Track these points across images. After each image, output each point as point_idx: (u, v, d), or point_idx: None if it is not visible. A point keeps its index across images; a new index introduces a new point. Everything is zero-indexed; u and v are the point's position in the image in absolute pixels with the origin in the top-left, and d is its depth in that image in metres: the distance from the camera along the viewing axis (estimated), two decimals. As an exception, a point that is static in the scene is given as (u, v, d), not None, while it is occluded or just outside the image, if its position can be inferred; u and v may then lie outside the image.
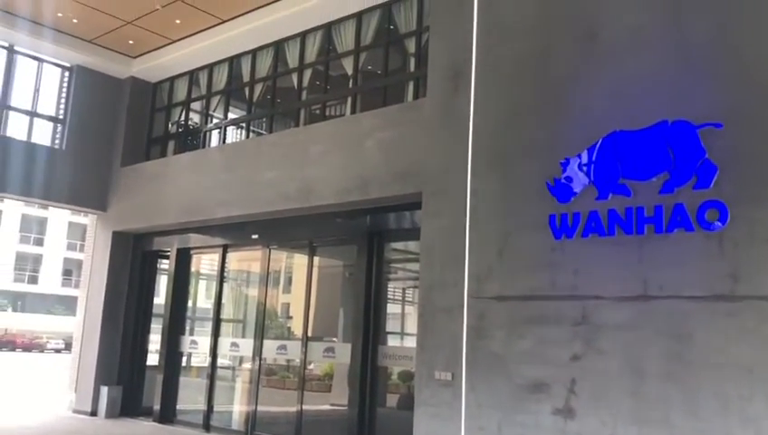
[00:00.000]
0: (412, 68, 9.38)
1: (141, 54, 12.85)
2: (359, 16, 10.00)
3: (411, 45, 9.39)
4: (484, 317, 6.79)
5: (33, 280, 52.77)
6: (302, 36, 10.81)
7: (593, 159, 6.29)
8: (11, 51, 12.38)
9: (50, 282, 52.85)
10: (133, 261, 13.01)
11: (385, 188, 8.58)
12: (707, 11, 5.92)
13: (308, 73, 10.80)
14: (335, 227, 9.97)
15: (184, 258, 12.41)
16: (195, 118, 13.07)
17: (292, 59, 10.99)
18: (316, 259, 10.39)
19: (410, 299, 10.24)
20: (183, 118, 13.05)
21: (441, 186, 7.50)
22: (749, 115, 5.55)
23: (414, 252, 8.97)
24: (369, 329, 9.02)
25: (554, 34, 6.89)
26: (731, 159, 5.54)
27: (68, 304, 44.13)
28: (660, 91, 6.04)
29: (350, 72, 10.09)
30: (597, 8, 6.63)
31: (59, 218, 52.43)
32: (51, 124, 12.90)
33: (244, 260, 12.24)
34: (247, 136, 11.88)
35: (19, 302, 51.61)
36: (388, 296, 9.68)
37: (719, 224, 5.51)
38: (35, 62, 12.76)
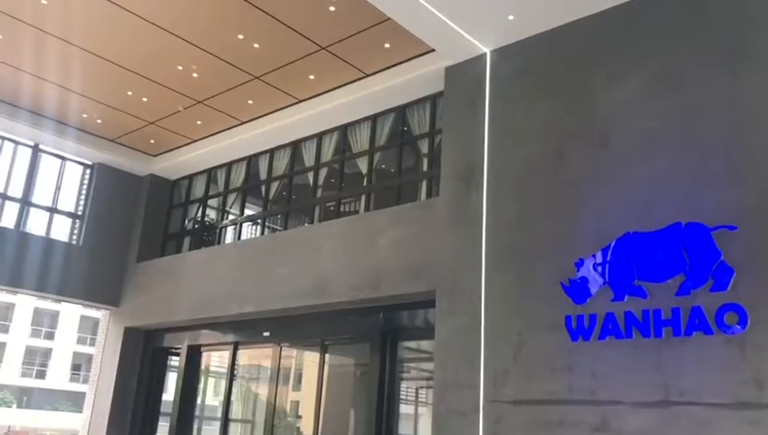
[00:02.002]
0: (425, 168, 9.55)
1: (162, 153, 13.22)
2: (373, 118, 10.30)
3: (424, 146, 9.61)
4: (500, 422, 6.59)
5: (41, 375, 52.10)
6: (319, 137, 11.11)
7: (608, 259, 6.29)
8: (36, 149, 12.79)
9: (58, 377, 52.15)
10: (143, 357, 12.89)
11: (398, 285, 8.55)
12: (719, 114, 6.05)
13: (323, 172, 11.02)
14: (348, 325, 9.87)
15: (194, 355, 12.29)
16: (211, 214, 13.26)
17: (309, 158, 11.25)
18: (328, 357, 10.25)
19: (424, 400, 9.98)
20: (200, 214, 13.26)
21: (455, 285, 7.47)
22: (763, 217, 5.55)
23: (428, 351, 8.83)
24: (381, 430, 8.77)
25: (566, 138, 7.04)
26: (748, 262, 5.51)
27: (75, 400, 43.32)
28: (673, 194, 6.09)
29: (364, 170, 10.29)
30: (608, 113, 6.79)
31: (71, 312, 52.35)
32: (69, 220, 13.12)
33: (255, 357, 12.08)
34: (262, 232, 12.01)
35: (25, 397, 50.75)
36: (401, 397, 9.44)
37: (739, 327, 5.42)
38: (58, 160, 13.13)
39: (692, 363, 5.58)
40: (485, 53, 8.04)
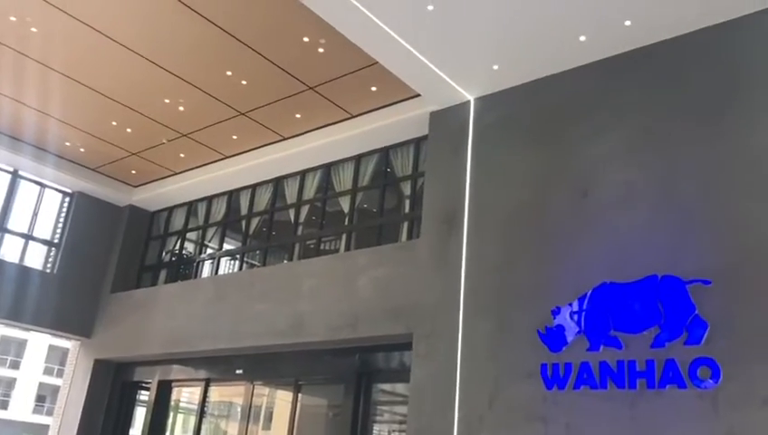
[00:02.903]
0: (407, 209, 9.61)
1: (143, 184, 13.18)
2: (357, 158, 10.38)
3: (407, 188, 9.69)
4: (473, 469, 6.53)
5: (3, 405, 50.57)
6: (302, 174, 11.15)
7: (584, 308, 6.34)
8: (15, 175, 12.67)
9: (21, 408, 50.63)
10: (112, 391, 12.62)
11: (376, 326, 8.51)
12: (697, 172, 6.19)
13: (305, 209, 11.04)
14: (323, 366, 9.77)
15: (164, 390, 12.05)
16: (189, 247, 13.17)
17: (291, 195, 11.28)
18: (301, 397, 10.11)
19: (397, 444, 9.87)
20: (177, 247, 13.16)
21: (432, 328, 7.46)
22: (738, 274, 5.65)
23: (403, 394, 8.76)
24: (352, 473, 8.63)
25: (547, 187, 7.15)
26: (721, 317, 5.58)
27: (37, 432, 42.00)
28: (650, 246, 6.18)
29: (346, 209, 10.33)
30: (589, 165, 6.92)
31: (39, 341, 51.11)
32: (45, 248, 12.95)
33: (227, 395, 11.88)
34: (240, 268, 11.93)
35: (-17, 429, 49.11)
36: (374, 440, 9.33)
37: (712, 382, 5.46)
38: (37, 187, 13.01)
39: (665, 417, 5.60)
40: (470, 101, 8.19)
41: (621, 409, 5.82)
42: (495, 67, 7.56)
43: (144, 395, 12.66)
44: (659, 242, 6.16)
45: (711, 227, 5.95)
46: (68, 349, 14.50)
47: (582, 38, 6.92)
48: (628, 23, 6.64)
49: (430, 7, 6.71)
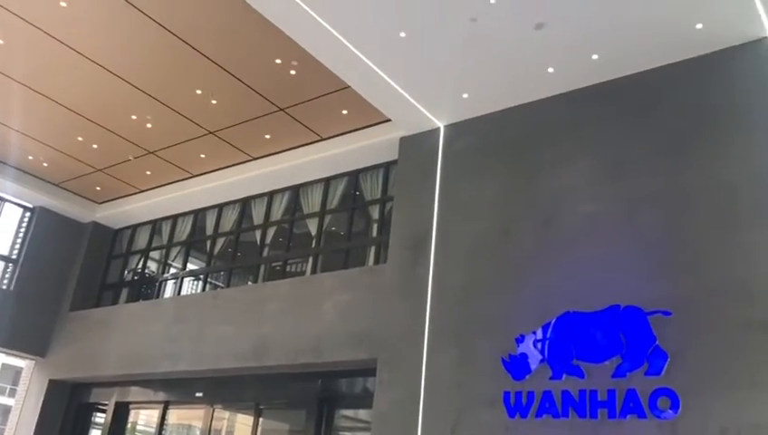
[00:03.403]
0: (375, 233, 9.60)
1: (107, 201, 12.96)
2: (326, 181, 10.36)
3: (375, 212, 9.69)
4: (434, 498, 6.46)
5: (-49, 425, 48.68)
6: (270, 195, 11.09)
7: (548, 336, 6.37)
8: (-26, 189, 12.37)
9: (-31, 428, 48.76)
10: (67, 412, 12.26)
11: (340, 351, 8.43)
12: (658, 204, 6.30)
13: (272, 231, 10.96)
14: (284, 390, 9.63)
15: (121, 413, 11.74)
16: (152, 267, 12.95)
17: (258, 216, 11.19)
18: (261, 421, 9.94)
19: (358, 471, 9.74)
20: (140, 266, 12.93)
21: (396, 354, 7.42)
22: (697, 305, 5.73)
23: (365, 421, 8.67)
24: (311, 501, 8.47)
25: (513, 216, 7.21)
26: (681, 348, 5.65)
27: (-14, 454, 40.47)
28: (613, 277, 6.25)
29: (313, 232, 10.28)
30: (555, 195, 7.00)
31: (-8, 359, 49.51)
32: (2, 264, 12.60)
33: (186, 418, 11.62)
34: (204, 288, 11.76)
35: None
36: (335, 467, 9.19)
37: (671, 412, 5.51)
38: (-3, 201, 12.72)
39: (626, 446, 5.62)
40: (440, 127, 8.26)
41: (582, 438, 5.83)
42: (465, 95, 7.65)
43: (100, 417, 12.32)
44: (622, 272, 6.24)
45: (672, 258, 6.05)
46: (21, 368, 14.06)
47: (550, 69, 7.05)
48: (595, 56, 6.79)
49: (402, 34, 6.78)
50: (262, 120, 9.58)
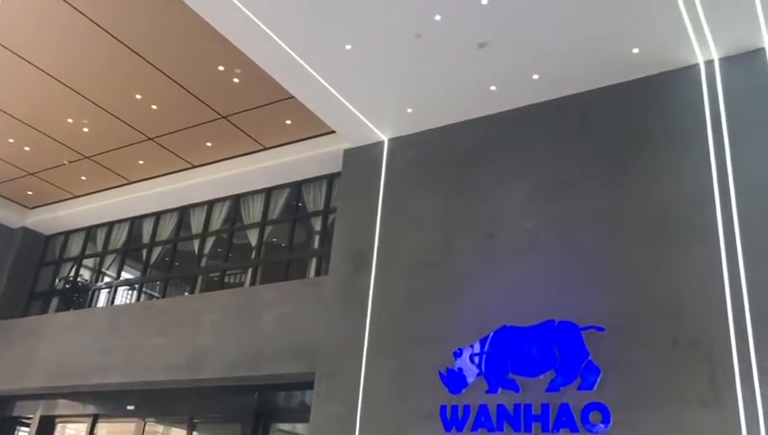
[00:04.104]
0: (316, 245, 9.54)
1: (39, 206, 12.49)
2: (268, 191, 10.24)
3: (317, 224, 9.63)
4: None
5: None
6: (210, 204, 10.89)
7: (485, 350, 6.42)
8: None
9: None
10: (-13, 427, 11.68)
11: (277, 365, 8.31)
12: (597, 223, 6.46)
13: (211, 241, 10.75)
14: (220, 403, 9.43)
15: (47, 427, 11.25)
16: (85, 275, 12.53)
17: (197, 225, 10.97)
18: (195, 436, 9.70)
19: (293, 486, 9.60)
20: (72, 274, 12.49)
21: (335, 368, 7.36)
22: (629, 322, 5.88)
23: (302, 435, 8.57)
24: None
25: (454, 231, 7.27)
26: (613, 364, 5.78)
27: None
28: (550, 292, 6.36)
29: (254, 243, 10.13)
30: (495, 211, 7.10)
31: None
32: None
33: (116, 432, 11.23)
34: (138, 298, 11.43)
35: None
36: (270, 482, 9.03)
37: (602, 426, 5.63)
38: None
39: (558, 460, 5.71)
40: (384, 141, 8.28)
41: (516, 452, 5.89)
42: (410, 110, 7.70)
43: (23, 432, 11.79)
44: (558, 288, 6.36)
45: (607, 276, 6.20)
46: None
47: (493, 88, 7.17)
48: (535, 76, 6.94)
49: (348, 47, 6.78)
50: (203, 128, 9.42)
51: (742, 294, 5.49)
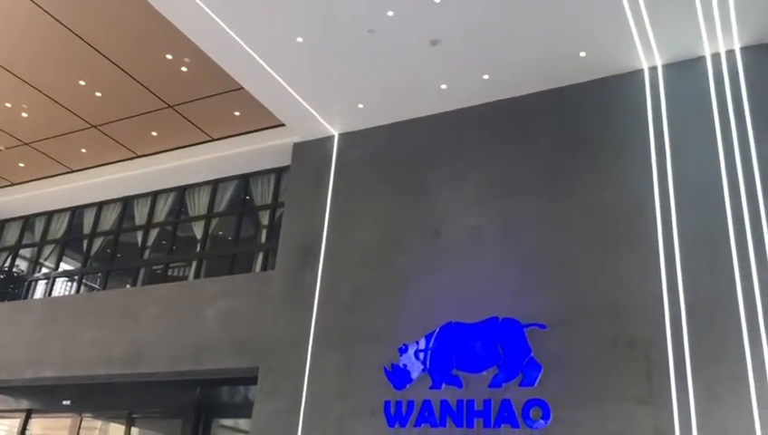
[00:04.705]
0: (263, 240, 9.43)
1: (-27, 193, 12.00)
2: (215, 183, 10.08)
3: (265, 218, 9.52)
4: (310, 509, 6.38)
5: None
6: (154, 195, 10.66)
7: (430, 347, 6.46)
8: None
9: None
10: None
11: (221, 359, 8.18)
12: (538, 223, 6.57)
13: (155, 232, 10.52)
14: (160, 398, 9.23)
15: (-24, 422, 10.84)
16: (21, 265, 12.09)
17: (140, 216, 10.72)
18: (134, 431, 9.47)
19: (234, 482, 9.48)
20: (8, 264, 12.04)
21: (279, 363, 7.29)
22: (570, 321, 6.01)
23: (244, 431, 8.46)
24: None
25: (402, 228, 7.28)
26: (554, 361, 5.90)
27: None
28: (494, 290, 6.45)
29: (199, 235, 9.96)
30: (442, 209, 7.15)
31: None
32: None
33: (51, 428, 10.87)
34: (78, 290, 11.10)
35: None
36: (210, 478, 8.90)
37: (542, 422, 5.73)
38: None
39: (499, 456, 5.79)
40: (334, 136, 8.24)
41: (459, 447, 5.95)
42: (360, 105, 7.68)
43: (-49, 427, 11.31)
44: (502, 286, 6.44)
45: (549, 276, 6.31)
46: None
47: (444, 86, 7.21)
48: (486, 76, 7.01)
49: (299, 39, 6.72)
50: (149, 117, 9.21)
51: (678, 297, 5.67)
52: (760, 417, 5.04)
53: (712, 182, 5.92)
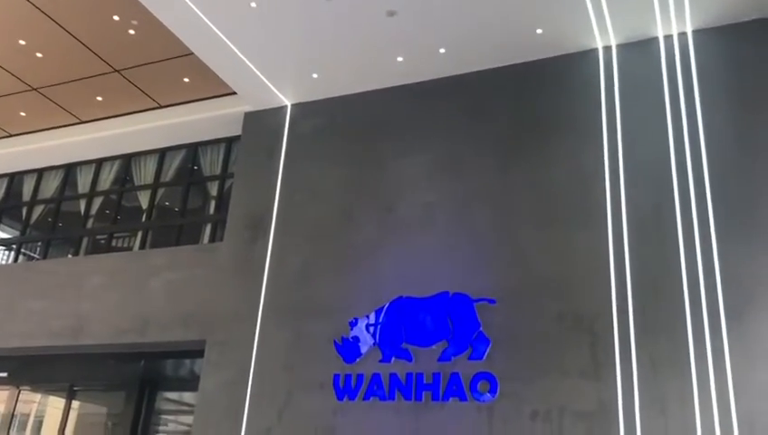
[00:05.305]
0: (212, 211, 9.23)
1: None
2: (162, 152, 9.79)
3: (214, 188, 9.31)
4: (256, 482, 6.35)
5: None
6: (98, 163, 10.30)
7: (380, 321, 6.46)
8: None
9: None
10: None
11: (166, 332, 8.01)
12: (489, 200, 6.61)
13: (98, 201, 10.19)
14: (103, 371, 9.02)
15: None
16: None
17: (84, 184, 10.36)
18: (76, 404, 9.25)
19: (179, 456, 9.38)
20: (-60, 231, 11.52)
21: (227, 336, 7.19)
22: (519, 296, 6.09)
23: (190, 404, 8.34)
24: (126, 486, 8.03)
25: (355, 202, 7.23)
26: (502, 336, 5.97)
27: None
28: (445, 265, 6.47)
29: (145, 205, 9.69)
30: (395, 184, 7.12)
31: None
32: None
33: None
34: (16, 260, 10.70)
35: None
36: (154, 452, 8.78)
37: (489, 395, 5.81)
38: None
39: (446, 428, 5.85)
40: (287, 106, 8.09)
41: (407, 420, 5.99)
42: (315, 75, 7.54)
43: None
44: (453, 261, 6.47)
45: (499, 251, 6.37)
46: None
47: (400, 59, 7.13)
48: (442, 50, 6.96)
49: (253, 4, 6.53)
50: (94, 81, 8.86)
51: (625, 274, 5.79)
52: (698, 387, 5.21)
53: (661, 161, 6.04)
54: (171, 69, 8.43)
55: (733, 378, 5.15)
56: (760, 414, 5.01)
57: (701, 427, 5.10)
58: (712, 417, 5.10)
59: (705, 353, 5.28)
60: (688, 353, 5.33)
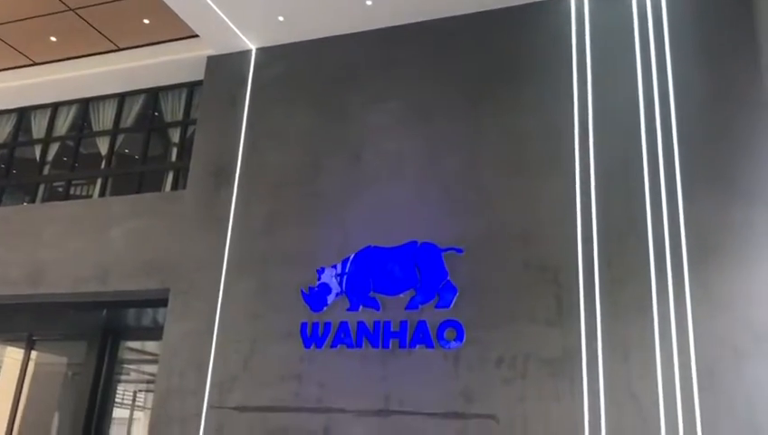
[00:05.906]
0: (173, 158, 9.00)
1: None
2: (121, 97, 9.46)
3: (175, 135, 9.06)
4: (222, 429, 6.37)
5: None
6: (54, 107, 9.92)
7: (347, 270, 6.44)
8: None
9: None
10: None
11: (128, 281, 7.86)
12: (459, 150, 6.56)
13: (55, 147, 9.85)
14: (63, 320, 8.88)
15: None
16: None
17: (39, 129, 9.98)
18: (34, 355, 9.10)
19: (142, 404, 9.35)
20: None
21: (191, 285, 7.10)
22: (487, 244, 6.11)
23: (153, 353, 8.28)
24: (89, 435, 7.99)
25: (322, 149, 7.11)
26: (469, 284, 6.01)
27: None
28: (413, 214, 6.44)
29: (104, 152, 9.39)
30: (363, 132, 7.01)
31: None
32: None
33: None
34: (-31, 207, 10.33)
35: None
36: (117, 401, 8.72)
37: (456, 343, 5.87)
38: None
39: (413, 375, 5.91)
40: (251, 50, 7.85)
41: (374, 367, 6.03)
42: (281, 18, 7.31)
43: None
44: (422, 211, 6.44)
45: (467, 201, 6.36)
46: None
47: (369, 2, 6.95)
48: (413, -7, 6.79)
49: (216, -59, 6.25)
50: (47, 20, 8.44)
51: (591, 224, 5.84)
52: (660, 334, 5.33)
53: (629, 111, 6.04)
54: (130, 9, 8.07)
55: (693, 325, 5.28)
56: (719, 360, 5.16)
57: (662, 373, 5.23)
58: (672, 363, 5.23)
59: (668, 302, 5.39)
60: (651, 302, 5.43)
